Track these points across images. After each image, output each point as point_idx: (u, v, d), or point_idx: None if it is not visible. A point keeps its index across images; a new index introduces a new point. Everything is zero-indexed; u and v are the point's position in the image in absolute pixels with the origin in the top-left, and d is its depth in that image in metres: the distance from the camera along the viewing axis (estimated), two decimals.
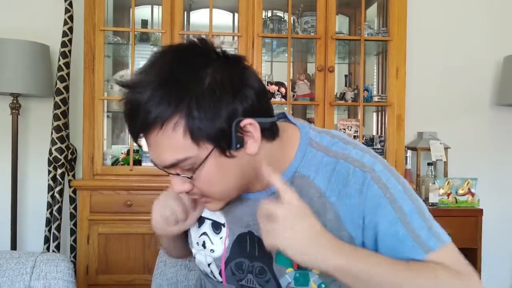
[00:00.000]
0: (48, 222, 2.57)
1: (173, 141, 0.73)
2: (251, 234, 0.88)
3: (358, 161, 0.82)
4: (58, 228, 2.56)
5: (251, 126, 0.76)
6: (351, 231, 0.80)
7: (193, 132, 0.72)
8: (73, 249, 2.60)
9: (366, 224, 0.79)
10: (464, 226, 2.66)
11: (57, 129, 2.50)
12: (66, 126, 2.54)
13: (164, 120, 0.72)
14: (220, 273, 0.92)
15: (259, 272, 0.87)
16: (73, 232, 2.62)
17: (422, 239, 0.77)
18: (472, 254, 2.69)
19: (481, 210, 2.68)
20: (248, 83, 0.77)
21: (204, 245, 0.94)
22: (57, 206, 2.55)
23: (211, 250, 0.93)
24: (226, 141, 0.75)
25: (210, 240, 0.93)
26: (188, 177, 0.77)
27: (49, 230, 2.56)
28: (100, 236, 2.43)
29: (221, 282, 0.93)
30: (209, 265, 0.93)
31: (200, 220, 0.95)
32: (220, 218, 0.93)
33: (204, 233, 0.94)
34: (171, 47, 0.79)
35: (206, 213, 0.94)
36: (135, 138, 0.77)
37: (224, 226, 0.91)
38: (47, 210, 2.57)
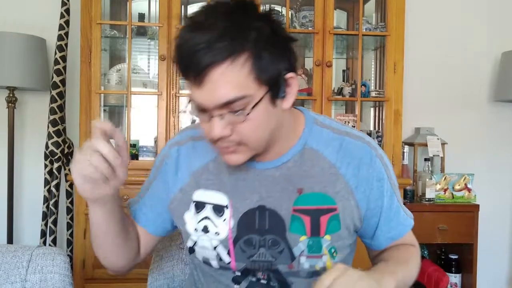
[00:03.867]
0: (45, 216, 2.56)
1: (237, 77, 0.77)
2: (261, 209, 0.90)
3: (362, 138, 0.93)
4: (55, 222, 2.56)
5: (293, 79, 0.84)
6: (359, 201, 0.91)
7: (258, 71, 0.78)
8: (69, 243, 2.60)
9: (371, 196, 0.91)
10: (460, 222, 2.67)
11: (53, 123, 2.49)
12: (62, 120, 2.53)
13: (236, 56, 0.76)
14: (228, 253, 0.92)
15: (272, 244, 0.90)
16: (69, 226, 2.61)
17: (407, 213, 1.00)
18: (468, 249, 2.71)
19: (478, 206, 2.69)
20: (292, 43, 0.85)
21: (206, 230, 0.93)
22: (53, 200, 2.54)
23: (215, 233, 0.92)
24: (277, 88, 0.81)
25: (213, 223, 0.93)
26: (236, 115, 0.79)
27: (46, 224, 2.56)
28: None
29: (229, 263, 0.92)
30: (215, 248, 0.93)
31: (200, 205, 0.95)
32: (222, 200, 0.93)
33: (206, 218, 0.93)
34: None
35: (206, 198, 0.95)
36: (198, 75, 0.77)
37: (227, 208, 0.92)
38: (44, 204, 2.56)
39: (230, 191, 0.93)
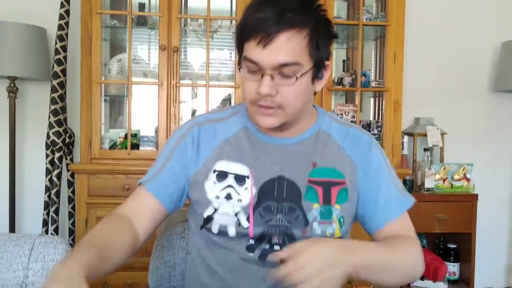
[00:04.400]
0: (46, 206, 2.58)
1: (297, 45, 0.92)
2: (280, 179, 1.01)
3: (362, 129, 1.10)
4: (57, 212, 2.58)
5: (328, 67, 1.01)
6: (359, 179, 1.04)
7: (312, 48, 0.94)
8: (71, 232, 2.62)
9: (370, 175, 1.04)
10: (459, 211, 2.68)
11: (54, 112, 2.50)
12: (63, 109, 2.54)
13: (301, 28, 0.92)
14: (247, 219, 1.00)
15: (288, 211, 1.00)
16: (71, 215, 2.64)
17: (404, 195, 1.06)
18: (467, 238, 2.73)
19: (476, 196, 2.70)
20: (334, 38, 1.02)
21: (229, 197, 1.01)
22: (55, 190, 2.56)
23: (238, 200, 1.01)
24: (318, 68, 0.98)
25: (236, 191, 1.01)
26: (286, 78, 0.93)
27: (48, 214, 2.58)
28: (98, 219, 2.44)
29: (247, 228, 1.00)
30: (236, 214, 1.01)
31: (222, 175, 1.03)
32: (243, 171, 1.02)
33: (229, 186, 1.02)
34: None
35: (228, 168, 1.03)
36: (267, 36, 0.90)
37: (248, 178, 1.02)
38: (45, 193, 2.58)
39: (251, 163, 1.03)
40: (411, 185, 2.78)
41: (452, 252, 2.82)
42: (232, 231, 1.00)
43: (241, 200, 1.01)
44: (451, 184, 2.74)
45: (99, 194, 2.44)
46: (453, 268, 2.79)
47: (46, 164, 2.58)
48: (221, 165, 1.03)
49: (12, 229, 2.59)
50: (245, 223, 1.00)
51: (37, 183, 2.71)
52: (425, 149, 2.80)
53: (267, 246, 0.99)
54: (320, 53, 0.96)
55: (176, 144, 1.07)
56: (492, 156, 3.04)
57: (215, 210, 1.02)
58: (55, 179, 2.56)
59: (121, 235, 0.96)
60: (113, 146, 2.61)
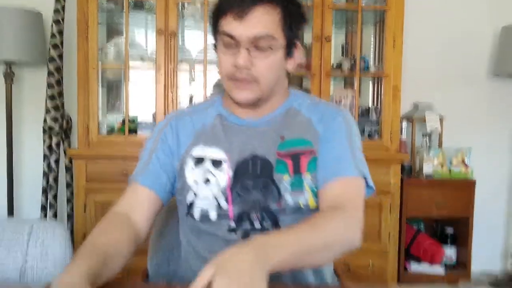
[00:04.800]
0: (45, 191, 2.58)
1: (272, 19, 0.99)
2: (254, 158, 1.04)
3: (333, 105, 1.15)
4: (55, 197, 2.58)
5: (299, 48, 1.07)
6: (320, 147, 1.05)
7: (284, 25, 1.01)
8: (70, 217, 2.62)
9: (328, 143, 1.05)
10: (457, 197, 2.69)
11: (51, 97, 2.48)
12: (60, 94, 2.52)
13: (276, 4, 1.00)
14: (226, 200, 1.03)
15: (263, 186, 1.03)
16: (69, 200, 2.64)
17: (358, 164, 1.04)
18: (464, 223, 2.74)
19: (474, 182, 2.71)
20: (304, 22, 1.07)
21: (207, 181, 1.04)
22: (53, 175, 2.55)
23: (216, 183, 1.04)
24: (290, 46, 1.04)
25: (213, 175, 1.04)
26: (261, 51, 0.99)
27: (46, 199, 2.58)
28: (96, 204, 2.45)
29: (227, 209, 1.03)
30: (215, 197, 1.04)
31: (199, 160, 1.06)
32: (220, 155, 1.05)
33: (206, 171, 1.05)
34: None
35: (205, 153, 1.06)
36: (243, 10, 0.97)
37: (224, 161, 1.05)
38: (43, 178, 2.58)
39: (227, 147, 1.06)
40: (410, 171, 2.78)
41: (449, 236, 2.84)
42: (213, 215, 1.04)
43: (219, 183, 1.04)
44: (449, 169, 2.75)
45: (97, 179, 2.43)
46: (450, 252, 2.81)
47: (43, 149, 2.57)
48: (198, 151, 1.07)
49: (10, 214, 2.59)
50: (224, 204, 1.03)
51: (35, 168, 2.71)
52: (423, 135, 2.80)
53: (248, 226, 1.02)
54: (293, 32, 1.03)
55: (157, 137, 1.11)
56: (491, 141, 3.04)
57: (195, 195, 1.05)
58: (53, 164, 2.55)
59: (121, 234, 0.96)
60: (110, 132, 2.60)
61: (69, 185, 2.64)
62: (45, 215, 2.57)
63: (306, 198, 1.02)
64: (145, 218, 1.04)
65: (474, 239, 2.75)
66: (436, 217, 2.84)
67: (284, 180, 1.03)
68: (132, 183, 1.08)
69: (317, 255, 0.88)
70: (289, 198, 1.02)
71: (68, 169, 2.64)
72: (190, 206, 1.06)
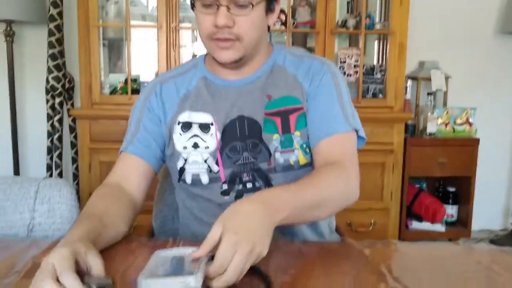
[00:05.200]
0: (49, 151, 2.59)
1: None
2: (240, 119, 1.03)
3: (318, 58, 1.10)
4: (60, 157, 2.59)
5: (278, 2, 1.03)
6: (309, 104, 1.04)
7: None
8: (75, 177, 2.65)
9: (316, 97, 1.04)
10: (460, 155, 2.69)
11: (52, 57, 2.45)
12: (61, 54, 2.49)
13: None
14: (216, 163, 1.03)
15: (252, 147, 1.03)
16: (74, 160, 2.65)
17: (349, 119, 1.02)
18: (466, 182, 2.76)
19: (478, 140, 2.71)
20: None
21: (196, 146, 1.04)
22: (57, 135, 2.56)
23: (206, 147, 1.03)
24: (272, 0, 1.00)
25: (202, 139, 1.04)
26: (241, 9, 0.95)
27: (51, 159, 2.59)
28: (101, 164, 2.46)
29: (218, 171, 1.03)
30: (205, 160, 1.03)
31: (187, 125, 1.05)
32: (207, 119, 1.04)
33: (194, 136, 1.04)
34: None
35: (192, 118, 1.04)
36: None
37: (212, 125, 1.04)
38: (48, 139, 2.59)
39: (213, 110, 1.04)
40: (413, 130, 2.77)
41: (451, 195, 2.86)
42: (205, 179, 1.04)
43: (208, 147, 1.03)
44: (453, 128, 2.74)
45: (101, 139, 2.44)
46: (451, 211, 2.84)
47: (47, 109, 2.57)
48: (185, 116, 1.05)
49: (16, 174, 2.62)
50: (215, 168, 1.03)
51: (39, 128, 2.71)
52: (428, 94, 2.77)
53: (240, 187, 1.02)
54: None
55: (143, 106, 1.09)
56: (496, 100, 3.01)
57: (185, 160, 1.05)
58: (56, 124, 2.55)
59: (117, 202, 0.96)
60: (113, 91, 2.58)
61: (73, 145, 2.65)
62: (51, 175, 2.59)
63: (296, 155, 1.03)
64: (138, 187, 1.03)
65: (476, 198, 2.77)
66: (438, 176, 2.86)
67: (274, 139, 1.02)
68: (122, 154, 1.07)
69: (318, 210, 0.89)
70: (279, 157, 1.02)
71: (72, 129, 2.64)
72: (181, 171, 1.06)
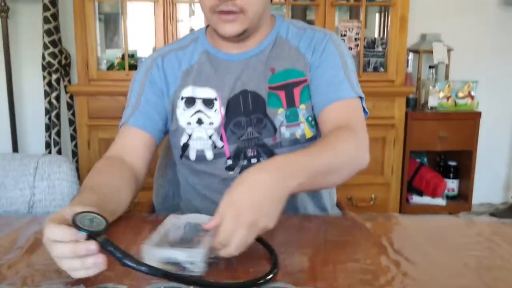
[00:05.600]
0: (48, 128, 2.58)
1: None
2: (244, 93, 1.02)
3: (320, 29, 1.08)
4: (58, 134, 2.58)
5: None
6: (312, 74, 1.02)
7: None
8: (74, 154, 2.64)
9: (319, 67, 1.02)
10: (461, 129, 2.68)
11: (48, 32, 2.41)
12: (57, 29, 2.45)
13: None
14: (221, 139, 1.02)
15: (257, 122, 1.01)
16: (73, 138, 2.64)
17: (354, 86, 1.01)
18: (467, 156, 2.75)
19: (479, 113, 2.69)
20: None
21: (200, 122, 1.02)
22: (55, 112, 2.54)
23: (210, 123, 1.02)
24: None
25: (206, 115, 1.02)
26: None
27: (49, 136, 2.58)
28: (100, 141, 2.46)
29: (222, 147, 1.02)
30: (210, 136, 1.02)
31: (190, 101, 1.03)
32: (210, 94, 1.03)
33: (198, 111, 1.03)
34: None
35: (195, 93, 1.03)
36: None
37: (216, 100, 1.02)
38: (46, 116, 2.57)
39: (217, 85, 1.03)
40: (414, 104, 2.75)
41: (452, 169, 2.86)
42: (209, 154, 1.02)
43: (212, 123, 1.02)
44: (455, 102, 2.72)
45: (100, 116, 2.42)
46: (452, 185, 2.85)
47: (43, 86, 2.54)
48: (188, 91, 1.04)
49: (15, 152, 2.61)
50: (219, 143, 1.02)
51: (36, 105, 2.69)
52: (430, 67, 2.75)
53: (245, 162, 1.02)
54: None
55: (144, 78, 1.06)
56: (499, 73, 2.98)
57: (189, 136, 1.03)
58: (54, 101, 2.53)
59: (118, 174, 0.93)
60: (110, 67, 2.55)
61: (72, 122, 2.64)
62: (50, 153, 2.59)
63: (302, 129, 1.02)
64: (140, 159, 1.01)
65: (476, 172, 2.77)
66: (439, 151, 2.85)
67: (279, 113, 1.01)
68: (123, 127, 1.04)
69: (331, 176, 0.86)
70: (285, 131, 1.01)
71: (70, 106, 2.62)
72: (185, 147, 1.04)
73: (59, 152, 2.58)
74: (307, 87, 1.02)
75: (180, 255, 0.65)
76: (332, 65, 1.02)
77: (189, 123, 1.03)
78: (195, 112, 1.03)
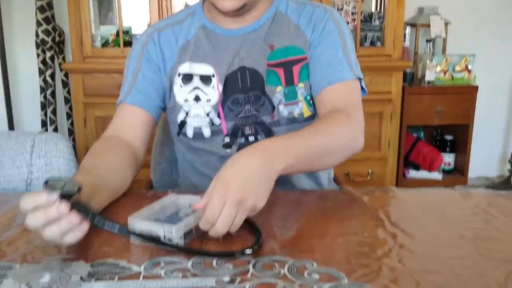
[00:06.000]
0: (43, 106, 2.56)
1: None
2: (242, 70, 1.00)
3: (320, 5, 1.06)
4: (54, 112, 2.57)
5: None
6: (312, 52, 1.01)
7: None
8: (71, 132, 2.63)
9: (319, 45, 1.01)
10: (458, 103, 2.68)
11: (41, 9, 2.38)
12: (50, 6, 2.41)
13: None
14: (218, 116, 1.01)
15: (255, 99, 1.00)
16: (69, 116, 2.63)
17: (353, 67, 1.00)
18: (464, 130, 2.76)
19: (476, 87, 2.69)
20: None
21: (198, 99, 1.01)
22: (50, 90, 2.52)
23: (207, 100, 1.01)
24: None
25: (203, 91, 1.01)
26: None
27: (45, 114, 2.57)
28: (97, 119, 2.45)
29: (220, 124, 1.01)
30: (207, 114, 1.01)
31: (187, 77, 1.02)
32: (208, 70, 1.01)
33: (196, 88, 1.01)
34: None
35: (193, 70, 1.01)
36: None
37: (213, 76, 1.01)
38: (41, 94, 2.55)
39: (214, 61, 1.01)
40: (411, 78, 2.74)
41: (448, 143, 2.87)
42: (206, 132, 1.02)
43: (210, 100, 1.01)
44: (452, 76, 2.71)
45: (95, 94, 2.41)
46: (448, 159, 2.87)
47: (38, 64, 2.52)
48: (185, 68, 1.02)
49: (11, 130, 2.60)
50: (217, 121, 1.01)
51: (31, 84, 2.67)
52: (427, 40, 2.73)
53: (242, 140, 1.01)
54: None
55: (140, 55, 1.04)
56: (496, 46, 2.96)
57: (187, 114, 1.03)
58: (49, 79, 2.51)
59: (114, 154, 0.92)
60: (105, 44, 2.52)
61: (67, 101, 2.62)
62: (46, 131, 2.58)
63: (300, 107, 1.01)
64: (139, 138, 1.00)
65: (473, 145, 2.78)
66: (436, 125, 2.86)
67: (277, 91, 1.00)
68: (120, 105, 1.02)
69: (323, 158, 0.86)
70: (283, 109, 1.00)
71: (65, 84, 2.60)
72: (182, 125, 1.04)
73: (55, 130, 2.57)
74: (307, 65, 1.01)
75: (158, 229, 0.65)
76: (331, 44, 1.00)
77: (186, 100, 1.02)
78: (193, 89, 1.01)
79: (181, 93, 1.02)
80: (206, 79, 1.01)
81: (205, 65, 1.01)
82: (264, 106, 1.00)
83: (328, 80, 0.98)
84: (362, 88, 1.02)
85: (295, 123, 1.00)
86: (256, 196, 0.69)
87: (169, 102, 1.05)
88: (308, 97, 1.01)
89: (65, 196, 0.62)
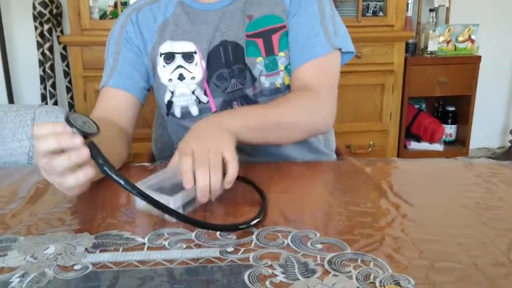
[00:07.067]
0: (43, 80, 2.55)
1: None
2: (224, 44, 0.98)
3: None
4: (53, 86, 2.55)
5: None
6: (290, 22, 0.99)
7: None
8: (71, 106, 2.62)
9: (297, 15, 0.98)
10: (461, 74, 2.66)
11: None
12: None
13: None
14: (205, 94, 1.00)
15: (239, 73, 0.99)
16: (69, 89, 2.61)
17: (331, 38, 0.97)
18: (466, 101, 2.74)
19: (479, 57, 2.66)
20: None
21: (182, 77, 0.99)
22: (49, 64, 2.50)
23: (191, 78, 0.99)
24: None
25: (187, 69, 0.99)
26: None
27: (45, 88, 2.55)
28: (96, 93, 2.42)
29: (207, 102, 1.00)
30: (193, 92, 1.00)
31: (169, 56, 1.00)
32: (189, 47, 0.99)
33: (179, 66, 1.00)
34: None
35: (174, 48, 0.99)
36: None
37: (195, 53, 0.99)
38: (40, 67, 2.53)
39: (195, 37, 0.99)
40: (414, 49, 2.71)
41: (450, 114, 2.86)
42: (194, 110, 1.01)
43: (194, 78, 0.99)
44: (455, 46, 2.68)
45: (95, 67, 2.38)
46: (450, 130, 2.86)
47: (36, 37, 2.49)
48: (166, 47, 1.00)
49: (11, 103, 2.59)
50: (204, 98, 1.00)
51: (30, 57, 2.64)
52: (430, 10, 2.68)
53: None
54: None
55: (119, 36, 1.03)
56: (500, 16, 2.92)
57: (172, 93, 1.01)
58: (47, 52, 2.48)
59: (107, 132, 0.86)
60: (103, 16, 2.49)
61: (67, 74, 2.60)
62: (46, 104, 2.57)
63: (281, 77, 0.99)
64: (126, 119, 0.99)
65: (475, 117, 2.77)
66: (438, 96, 2.84)
67: (258, 62, 0.98)
68: (103, 89, 1.01)
69: (280, 132, 0.88)
70: (264, 80, 0.99)
71: (64, 58, 2.58)
72: (169, 105, 1.02)
73: (55, 104, 2.56)
74: (286, 33, 0.99)
75: (159, 198, 0.65)
76: (309, 14, 0.98)
77: (170, 80, 1.00)
78: (176, 68, 1.00)
79: (165, 73, 1.01)
80: (188, 57, 0.99)
81: (186, 43, 1.00)
82: (247, 78, 0.99)
83: (303, 58, 0.97)
84: (349, 52, 1.00)
85: (279, 93, 0.99)
86: (219, 143, 0.73)
87: (154, 83, 1.03)
88: (289, 66, 1.00)
89: (83, 133, 0.61)
